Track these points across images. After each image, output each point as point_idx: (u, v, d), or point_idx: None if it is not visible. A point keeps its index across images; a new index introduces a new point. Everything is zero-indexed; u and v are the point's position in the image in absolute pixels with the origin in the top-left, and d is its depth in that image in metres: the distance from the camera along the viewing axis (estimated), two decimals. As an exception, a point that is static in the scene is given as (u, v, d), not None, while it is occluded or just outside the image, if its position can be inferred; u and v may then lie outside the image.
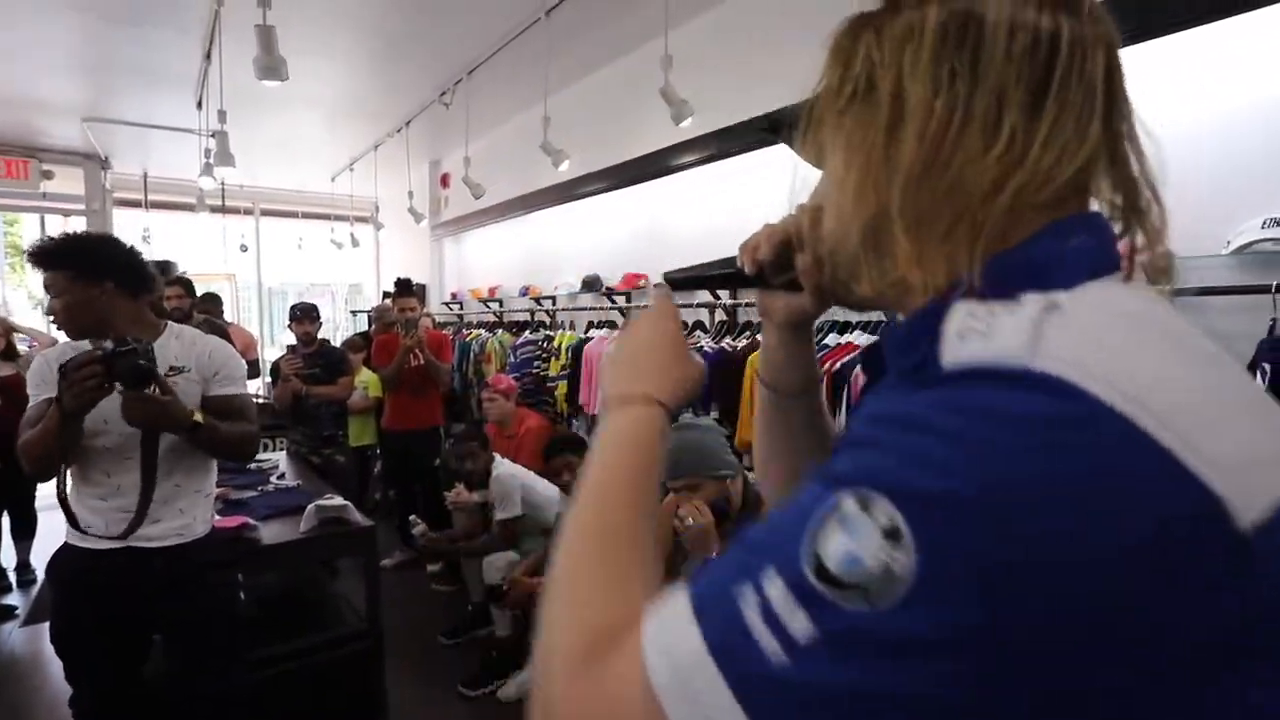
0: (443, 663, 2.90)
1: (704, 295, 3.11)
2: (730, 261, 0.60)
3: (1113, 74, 0.40)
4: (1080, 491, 0.28)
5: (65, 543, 1.63)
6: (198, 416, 1.53)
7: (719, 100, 3.03)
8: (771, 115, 2.67)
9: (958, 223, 0.39)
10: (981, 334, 0.34)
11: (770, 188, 2.98)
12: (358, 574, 2.72)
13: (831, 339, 2.32)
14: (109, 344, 1.39)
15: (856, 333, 2.28)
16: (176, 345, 1.65)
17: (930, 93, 0.39)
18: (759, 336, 2.62)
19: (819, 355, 2.24)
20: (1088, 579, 0.27)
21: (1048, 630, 0.28)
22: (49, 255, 1.54)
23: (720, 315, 3.04)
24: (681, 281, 0.65)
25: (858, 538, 0.29)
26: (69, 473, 1.57)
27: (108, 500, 1.58)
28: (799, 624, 0.29)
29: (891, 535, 0.28)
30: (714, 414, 2.52)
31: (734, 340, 2.70)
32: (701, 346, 2.73)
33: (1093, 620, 0.28)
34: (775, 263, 0.55)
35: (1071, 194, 0.40)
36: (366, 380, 4.36)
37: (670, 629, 0.33)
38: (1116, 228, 0.41)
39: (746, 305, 2.94)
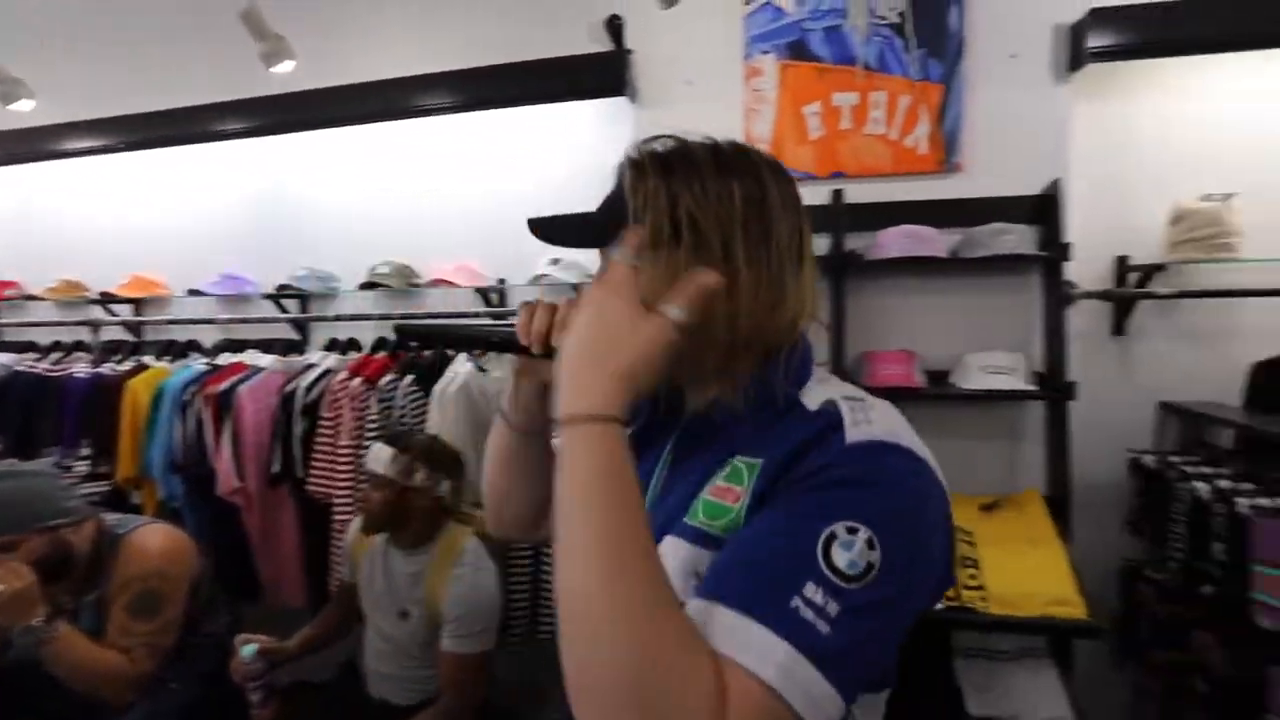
0: None
1: (94, 311, 2.67)
2: (506, 334, 0.71)
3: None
4: (936, 503, 0.58)
5: None
6: None
7: (92, 83, 2.62)
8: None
9: (759, 346, 0.63)
10: (867, 423, 0.58)
11: (176, 193, 2.72)
12: None
13: (224, 358, 2.26)
14: None
15: (248, 353, 2.27)
16: None
17: (747, 265, 0.61)
18: (145, 359, 2.39)
19: (209, 375, 2.19)
20: (942, 540, 0.59)
21: (934, 566, 0.58)
22: None
23: (116, 334, 2.65)
24: (418, 334, 0.68)
25: (854, 551, 0.51)
26: None
27: None
28: (833, 608, 0.50)
29: (870, 545, 0.51)
30: (86, 449, 2.19)
31: (117, 364, 2.38)
32: (70, 373, 2.33)
33: (941, 559, 0.59)
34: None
35: None
36: None
37: (757, 644, 0.49)
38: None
39: (143, 324, 2.63)
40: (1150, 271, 1.97)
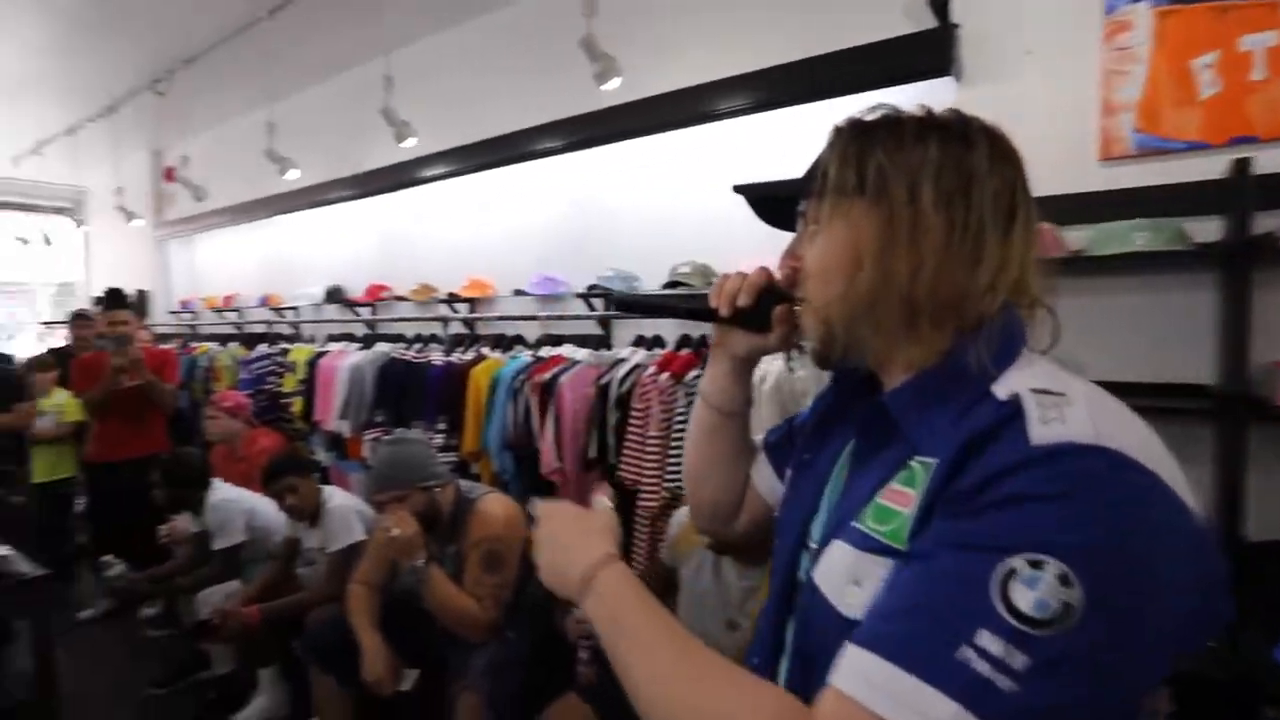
0: (155, 715, 2.64)
1: (442, 309, 3.19)
2: (700, 299, 0.68)
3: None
4: (1169, 518, 0.45)
5: None
6: None
7: (450, 118, 3.12)
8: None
9: (952, 313, 0.54)
10: (1059, 421, 0.46)
11: (504, 206, 3.15)
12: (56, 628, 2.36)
13: (545, 351, 2.53)
14: None
15: (566, 346, 2.51)
16: None
17: (935, 209, 0.53)
18: (484, 350, 2.78)
19: (534, 366, 2.47)
20: (1191, 566, 0.45)
21: (1179, 597, 0.44)
22: None
23: (457, 328, 3.13)
24: (631, 304, 0.70)
25: (1040, 588, 0.41)
26: None
27: None
28: (1018, 660, 0.40)
29: (1063, 580, 0.41)
30: (442, 424, 2.60)
31: (462, 354, 2.81)
32: (430, 361, 2.80)
33: (1195, 586, 0.45)
34: (753, 308, 0.67)
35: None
36: (61, 404, 3.75)
37: (914, 701, 0.42)
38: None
39: (477, 320, 3.06)
40: None
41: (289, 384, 3.50)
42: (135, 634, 3.32)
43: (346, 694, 2.12)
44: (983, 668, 0.41)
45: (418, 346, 3.09)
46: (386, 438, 2.12)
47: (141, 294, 5.87)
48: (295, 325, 4.16)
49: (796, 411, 1.95)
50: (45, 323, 6.90)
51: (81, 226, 6.01)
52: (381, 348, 3.12)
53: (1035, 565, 0.41)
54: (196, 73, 3.75)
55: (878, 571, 0.51)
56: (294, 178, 3.40)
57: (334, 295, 3.81)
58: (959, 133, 0.56)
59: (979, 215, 0.54)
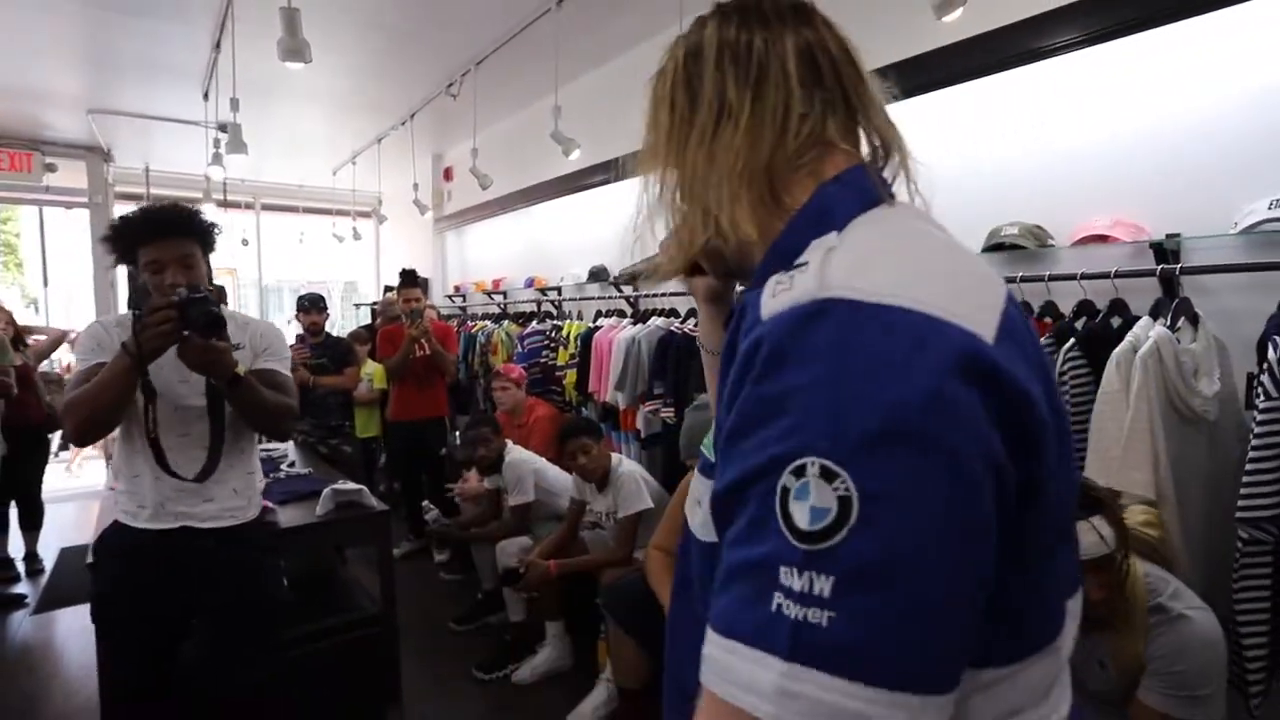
0: (454, 648, 2.92)
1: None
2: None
3: (814, 54, 0.52)
4: (916, 359, 0.37)
5: (115, 521, 1.62)
6: (240, 369, 1.52)
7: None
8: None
9: (743, 192, 0.50)
10: (787, 288, 0.42)
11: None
12: (367, 560, 2.72)
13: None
14: (183, 291, 1.42)
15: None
16: (231, 325, 1.65)
17: (685, 102, 0.54)
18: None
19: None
20: (965, 403, 0.37)
21: (969, 443, 0.37)
22: (185, 223, 1.56)
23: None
24: (629, 278, 0.76)
25: (809, 495, 0.36)
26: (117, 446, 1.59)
27: (161, 477, 1.54)
28: (820, 584, 0.35)
29: (825, 475, 0.35)
30: (727, 398, 2.54)
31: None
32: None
33: (981, 432, 0.38)
34: None
35: (828, 153, 0.51)
36: (371, 372, 4.37)
37: (739, 674, 0.36)
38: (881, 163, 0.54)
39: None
40: None
41: (561, 358, 3.71)
42: (432, 575, 3.74)
43: (645, 657, 2.14)
44: (792, 609, 0.35)
45: (693, 322, 3.08)
46: (692, 405, 2.09)
47: (424, 280, 6.70)
48: (557, 304, 4.42)
49: (1181, 388, 1.60)
50: (356, 304, 8.21)
51: (381, 224, 7.03)
52: (657, 322, 3.16)
53: (797, 473, 0.36)
54: (484, 71, 4.11)
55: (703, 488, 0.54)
56: (575, 158, 3.56)
57: (597, 275, 3.97)
58: (702, 21, 0.57)
59: (708, 92, 0.53)
